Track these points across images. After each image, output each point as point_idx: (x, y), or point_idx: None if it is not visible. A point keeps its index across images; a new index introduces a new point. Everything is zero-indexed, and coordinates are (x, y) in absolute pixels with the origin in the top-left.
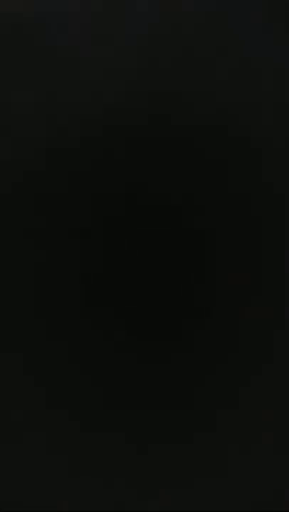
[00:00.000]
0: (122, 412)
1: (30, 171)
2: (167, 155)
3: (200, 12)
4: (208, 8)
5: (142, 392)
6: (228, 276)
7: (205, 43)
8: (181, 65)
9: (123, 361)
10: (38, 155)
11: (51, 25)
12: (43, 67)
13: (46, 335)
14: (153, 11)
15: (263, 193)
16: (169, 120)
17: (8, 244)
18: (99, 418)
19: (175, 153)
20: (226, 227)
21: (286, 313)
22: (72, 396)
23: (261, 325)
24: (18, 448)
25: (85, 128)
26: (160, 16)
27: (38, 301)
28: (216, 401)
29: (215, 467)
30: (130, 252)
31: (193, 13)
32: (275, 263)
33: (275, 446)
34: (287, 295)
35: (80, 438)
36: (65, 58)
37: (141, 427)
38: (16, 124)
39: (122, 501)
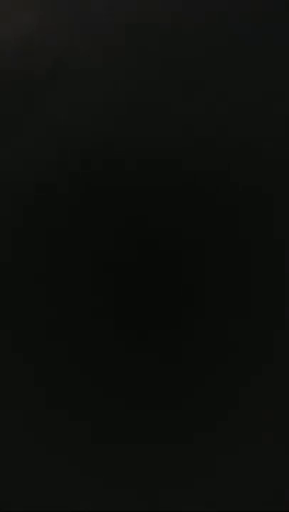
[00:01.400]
0: (122, 412)
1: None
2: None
3: (200, 12)
4: (208, 8)
5: (142, 392)
6: (229, 277)
7: (205, 42)
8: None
9: (123, 362)
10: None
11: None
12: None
13: (46, 335)
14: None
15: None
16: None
17: (14, 249)
18: (99, 418)
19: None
20: (225, 232)
21: (286, 313)
22: (73, 396)
23: (261, 325)
24: (18, 448)
25: (86, 165)
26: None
27: (38, 302)
28: (216, 401)
29: (215, 467)
30: (131, 257)
31: (193, 13)
32: (275, 264)
33: (275, 446)
34: (287, 295)
35: (80, 438)
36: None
37: (141, 427)
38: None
39: (122, 501)
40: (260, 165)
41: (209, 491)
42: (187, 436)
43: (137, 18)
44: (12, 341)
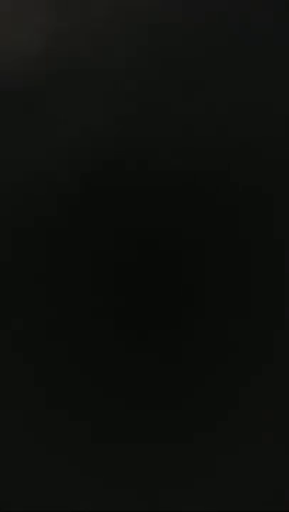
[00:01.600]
0: (122, 412)
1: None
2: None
3: (200, 12)
4: (208, 8)
5: (142, 392)
6: (228, 277)
7: (205, 42)
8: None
9: (123, 362)
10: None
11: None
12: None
13: (46, 335)
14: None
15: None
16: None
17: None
18: (99, 418)
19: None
20: (225, 232)
21: (286, 313)
22: (73, 396)
23: (261, 325)
24: (18, 448)
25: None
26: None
27: (38, 302)
28: (216, 401)
29: (215, 467)
30: (131, 257)
31: (193, 13)
32: (275, 264)
33: (275, 446)
34: (287, 295)
35: (80, 438)
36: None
37: (141, 427)
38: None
39: (122, 501)
40: (260, 165)
41: (209, 491)
42: (187, 436)
43: (137, 18)
44: (12, 341)
